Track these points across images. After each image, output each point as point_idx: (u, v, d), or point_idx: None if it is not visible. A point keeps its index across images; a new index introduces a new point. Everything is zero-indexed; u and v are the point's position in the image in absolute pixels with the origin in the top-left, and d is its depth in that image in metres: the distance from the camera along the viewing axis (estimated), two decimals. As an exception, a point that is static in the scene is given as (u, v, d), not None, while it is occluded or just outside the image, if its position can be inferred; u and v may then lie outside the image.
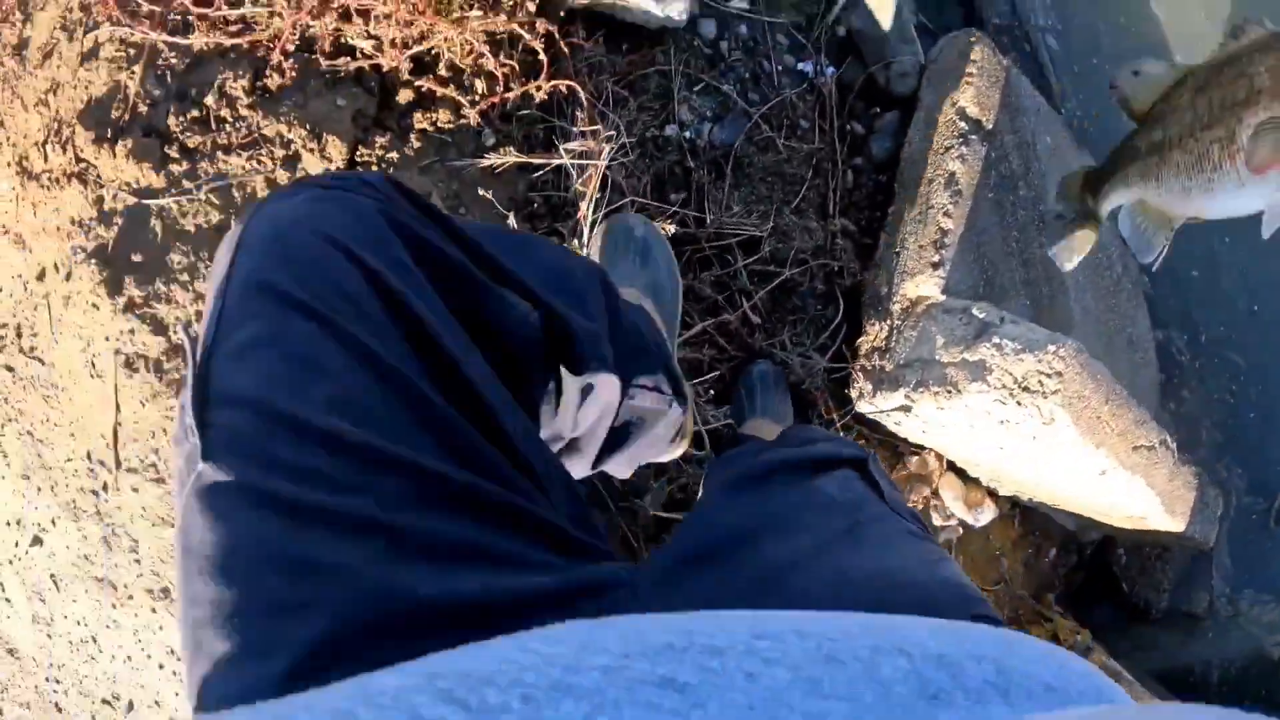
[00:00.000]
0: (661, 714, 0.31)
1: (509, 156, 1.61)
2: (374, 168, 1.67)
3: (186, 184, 1.67)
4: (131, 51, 1.75)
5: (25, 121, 1.96)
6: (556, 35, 1.76)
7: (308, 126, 1.63)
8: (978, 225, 1.98)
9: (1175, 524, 2.13)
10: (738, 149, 1.93)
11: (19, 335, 2.01)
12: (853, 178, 2.02)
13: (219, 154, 1.66)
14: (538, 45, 1.68)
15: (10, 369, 2.02)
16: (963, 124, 2.02)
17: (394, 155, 1.66)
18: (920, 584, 0.63)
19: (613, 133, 1.61)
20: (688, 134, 1.91)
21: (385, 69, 1.63)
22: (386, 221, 0.59)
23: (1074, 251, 1.24)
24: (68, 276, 1.88)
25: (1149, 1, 3.07)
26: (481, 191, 1.67)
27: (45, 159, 1.89)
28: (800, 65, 2.11)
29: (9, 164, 1.97)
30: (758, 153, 1.96)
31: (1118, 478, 1.97)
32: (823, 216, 1.96)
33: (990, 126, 2.06)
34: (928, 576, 0.64)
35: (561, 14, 1.85)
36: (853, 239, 1.97)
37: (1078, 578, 2.58)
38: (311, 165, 1.65)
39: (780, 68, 2.06)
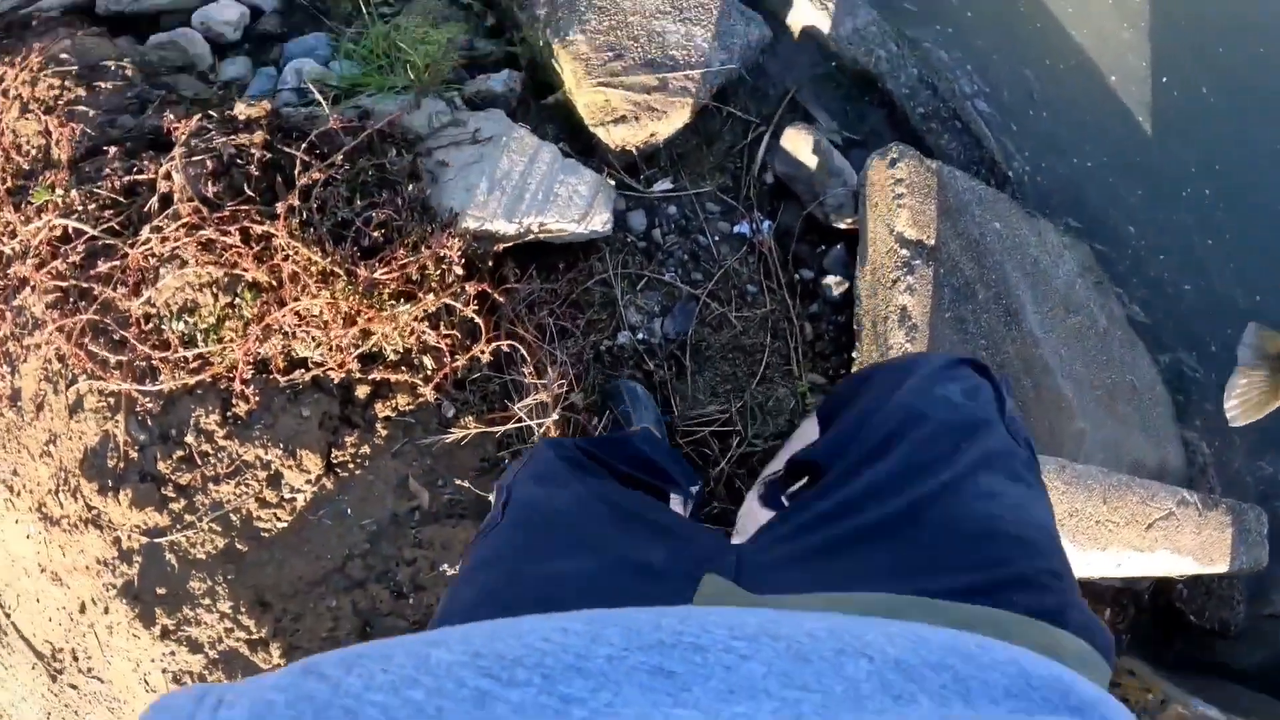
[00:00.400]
0: (655, 694, 0.39)
1: (469, 429, 1.69)
2: (350, 466, 1.77)
3: (188, 518, 1.79)
4: (111, 400, 1.88)
5: (35, 470, 2.10)
6: (490, 289, 1.84)
7: (281, 445, 1.74)
8: (941, 350, 2.00)
9: (1216, 568, 2.11)
10: (692, 336, 1.98)
11: (75, 659, 2.16)
12: (811, 329, 2.06)
13: (209, 485, 1.77)
14: (471, 312, 1.76)
15: (74, 687, 2.17)
16: (904, 251, 2.04)
17: (366, 449, 1.75)
18: (1015, 536, 0.74)
19: (563, 383, 1.67)
20: (640, 336, 1.97)
21: (336, 377, 1.73)
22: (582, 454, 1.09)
23: (1257, 409, 1.19)
24: (105, 610, 2.01)
25: (1063, 28, 3.07)
26: (453, 462, 1.75)
27: (60, 506, 2.03)
28: (736, 228, 2.16)
29: (30, 509, 2.12)
30: (712, 333, 2.01)
31: (1135, 561, 1.97)
32: (790, 379, 2.00)
33: (933, 243, 2.08)
34: (1020, 522, 0.76)
35: (490, 261, 1.93)
36: (824, 391, 2.00)
37: (1143, 619, 2.55)
38: (293, 480, 1.76)
39: (716, 238, 2.11)
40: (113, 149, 2.02)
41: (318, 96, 1.89)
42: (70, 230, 1.84)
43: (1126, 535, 1.92)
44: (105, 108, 2.23)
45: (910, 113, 2.52)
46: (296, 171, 1.84)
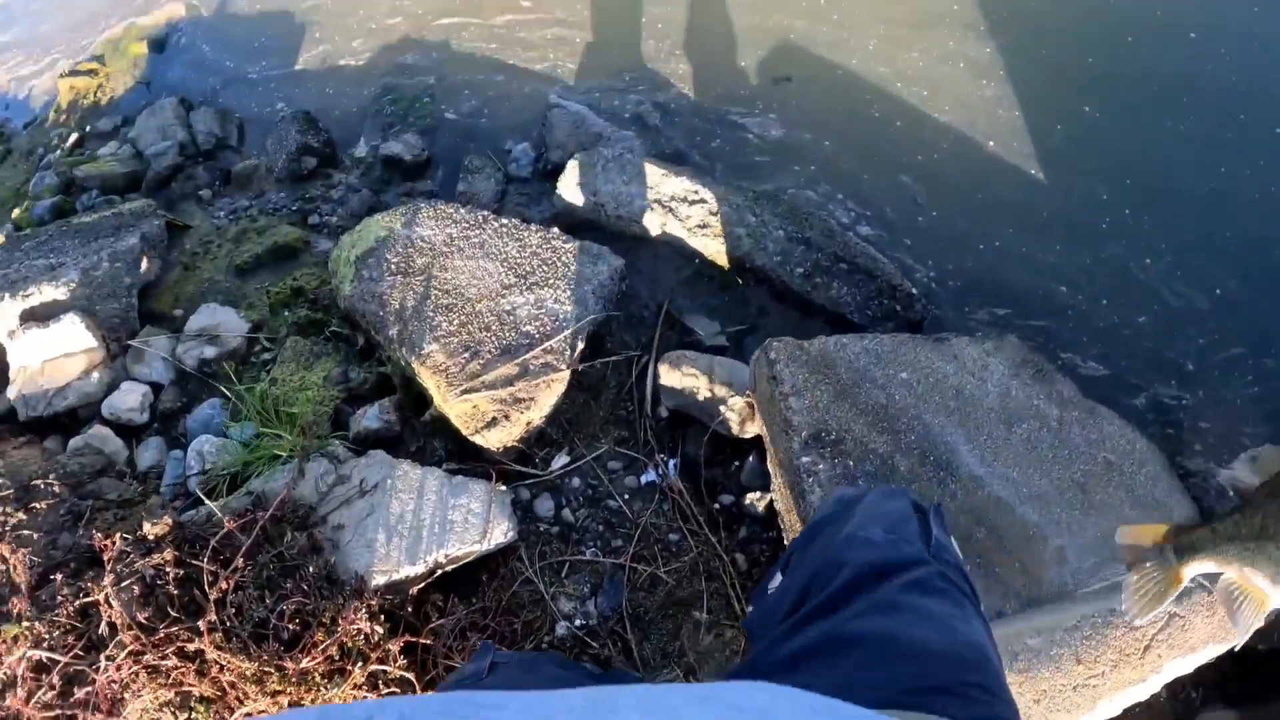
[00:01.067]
0: None
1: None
2: None
3: None
4: None
5: None
6: (416, 637, 1.86)
7: None
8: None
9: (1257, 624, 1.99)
10: (627, 606, 1.97)
11: None
12: (744, 557, 2.05)
13: None
14: (399, 670, 1.80)
15: None
16: (806, 458, 2.02)
17: None
18: (942, 650, 0.79)
19: None
20: (578, 622, 1.97)
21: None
22: None
23: (1152, 603, 1.17)
24: None
25: (925, 113, 3.08)
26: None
27: None
28: (644, 478, 2.17)
29: None
30: (647, 595, 2.00)
31: (1151, 681, 1.86)
32: (734, 616, 1.97)
33: (834, 435, 2.06)
34: (948, 639, 0.81)
35: (410, 605, 1.96)
36: (774, 617, 1.97)
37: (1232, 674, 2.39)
38: None
39: (626, 495, 2.12)
40: (59, 576, 2.14)
41: (213, 509, 1.97)
42: (44, 659, 1.95)
43: (1120, 677, 1.82)
44: (45, 529, 2.35)
45: (790, 278, 2.53)
46: (207, 583, 1.91)
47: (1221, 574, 1.09)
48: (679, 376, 2.21)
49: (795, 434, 2.03)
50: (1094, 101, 3.13)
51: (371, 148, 3.33)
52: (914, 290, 2.66)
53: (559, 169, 2.94)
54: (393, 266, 2.38)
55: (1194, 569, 1.13)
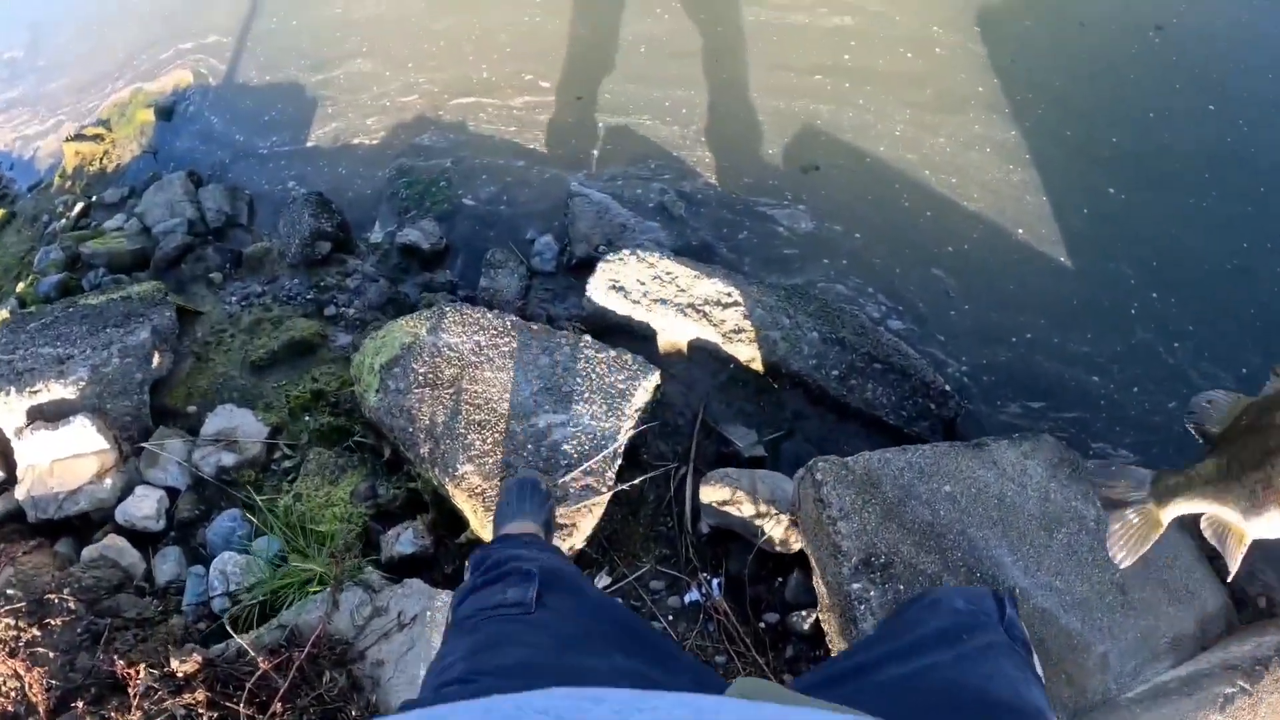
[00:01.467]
0: None
1: None
2: None
3: None
4: None
5: None
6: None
7: None
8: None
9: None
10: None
11: None
12: (791, 679, 1.98)
13: None
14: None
15: None
16: (857, 585, 1.98)
17: None
18: (1009, 703, 0.88)
19: None
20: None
21: None
22: None
23: (1135, 546, 1.25)
24: None
25: (953, 202, 3.08)
26: None
27: None
28: (687, 598, 2.12)
29: None
30: (694, 730, 1.93)
31: None
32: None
33: (883, 559, 2.02)
34: (1013, 694, 0.90)
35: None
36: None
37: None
38: None
39: (670, 617, 2.07)
40: (80, 703, 2.06)
41: (244, 645, 1.90)
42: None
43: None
44: (62, 647, 2.26)
45: (826, 382, 2.50)
46: (243, 731, 1.84)
47: (1201, 515, 1.15)
48: (720, 496, 2.16)
49: (845, 559, 1.99)
50: (1117, 181, 3.14)
51: (388, 234, 3.30)
52: (947, 387, 2.64)
53: (584, 263, 2.91)
54: (420, 377, 2.33)
55: (1172, 512, 1.20)
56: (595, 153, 3.38)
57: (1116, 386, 2.70)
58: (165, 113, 4.32)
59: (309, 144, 3.82)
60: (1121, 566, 1.30)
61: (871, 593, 1.96)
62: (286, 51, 4.25)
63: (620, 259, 2.68)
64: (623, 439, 2.21)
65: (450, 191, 3.38)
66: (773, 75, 3.46)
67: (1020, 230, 3.07)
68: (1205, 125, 3.24)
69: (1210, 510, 1.12)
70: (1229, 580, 1.42)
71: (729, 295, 2.66)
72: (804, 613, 2.12)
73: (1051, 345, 2.81)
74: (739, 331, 2.57)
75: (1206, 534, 1.14)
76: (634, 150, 3.36)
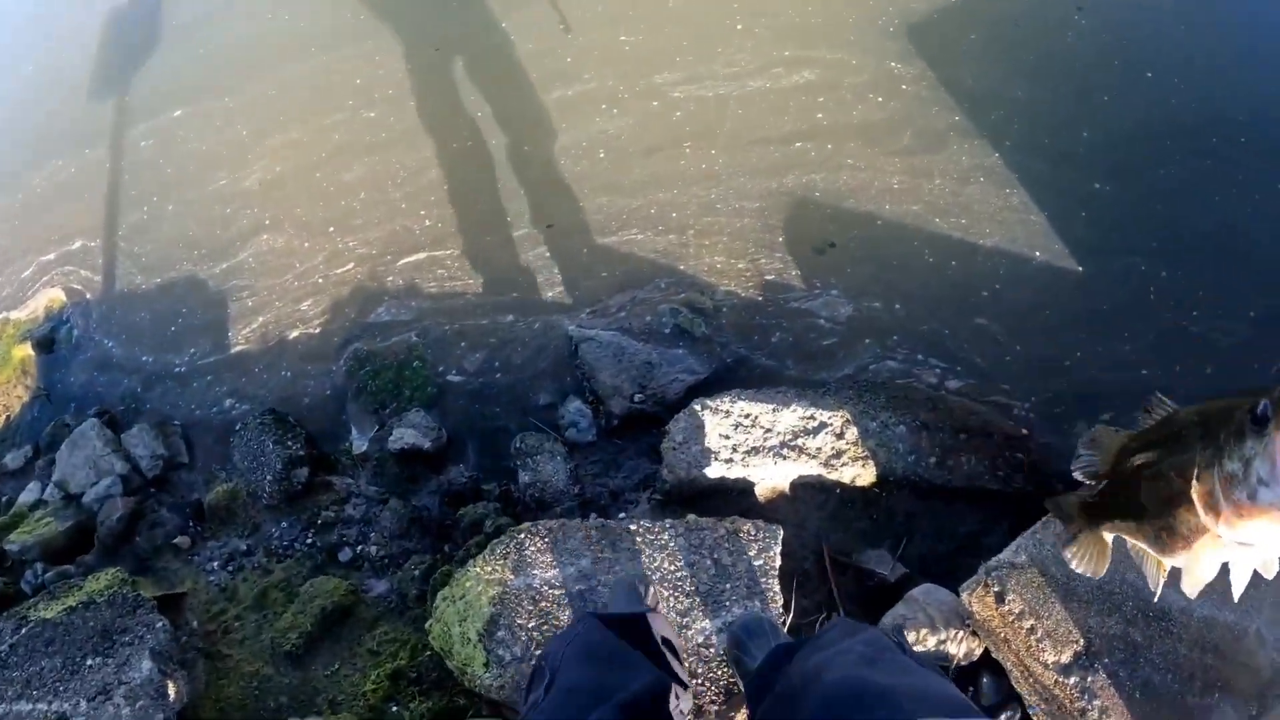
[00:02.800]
0: None
1: None
2: None
3: None
4: None
5: None
6: None
7: None
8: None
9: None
10: None
11: None
12: None
13: None
14: None
15: None
16: (1071, 678, 1.88)
17: None
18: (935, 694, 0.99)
19: None
20: None
21: None
22: None
23: (1087, 560, 1.22)
24: None
25: (975, 244, 2.91)
26: None
27: None
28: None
29: None
30: None
31: None
32: None
33: (1079, 640, 1.89)
34: (940, 689, 1.02)
35: None
36: None
37: None
38: None
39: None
40: None
41: None
42: None
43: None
44: None
45: (929, 473, 2.41)
46: None
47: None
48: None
49: (1050, 657, 1.90)
50: (1099, 176, 3.18)
51: (373, 441, 2.88)
52: (1024, 430, 2.65)
53: (628, 419, 2.62)
54: (533, 634, 1.97)
55: (1110, 535, 1.19)
56: (586, 284, 3.06)
57: (1162, 372, 2.77)
58: (45, 344, 3.74)
59: (235, 349, 3.34)
60: (1094, 579, 1.40)
61: (1090, 679, 1.86)
62: (173, 243, 3.74)
63: (692, 417, 2.40)
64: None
65: (428, 371, 2.99)
66: (752, 152, 3.25)
67: (1036, 253, 3.03)
68: (1150, 94, 3.36)
69: (1129, 539, 1.12)
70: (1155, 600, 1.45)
71: (812, 419, 2.43)
72: (1007, 714, 2.03)
73: (1098, 356, 2.84)
74: (837, 455, 2.41)
75: (1133, 555, 1.14)
76: (628, 271, 3.07)
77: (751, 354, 2.81)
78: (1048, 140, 3.33)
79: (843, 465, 2.39)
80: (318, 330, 3.26)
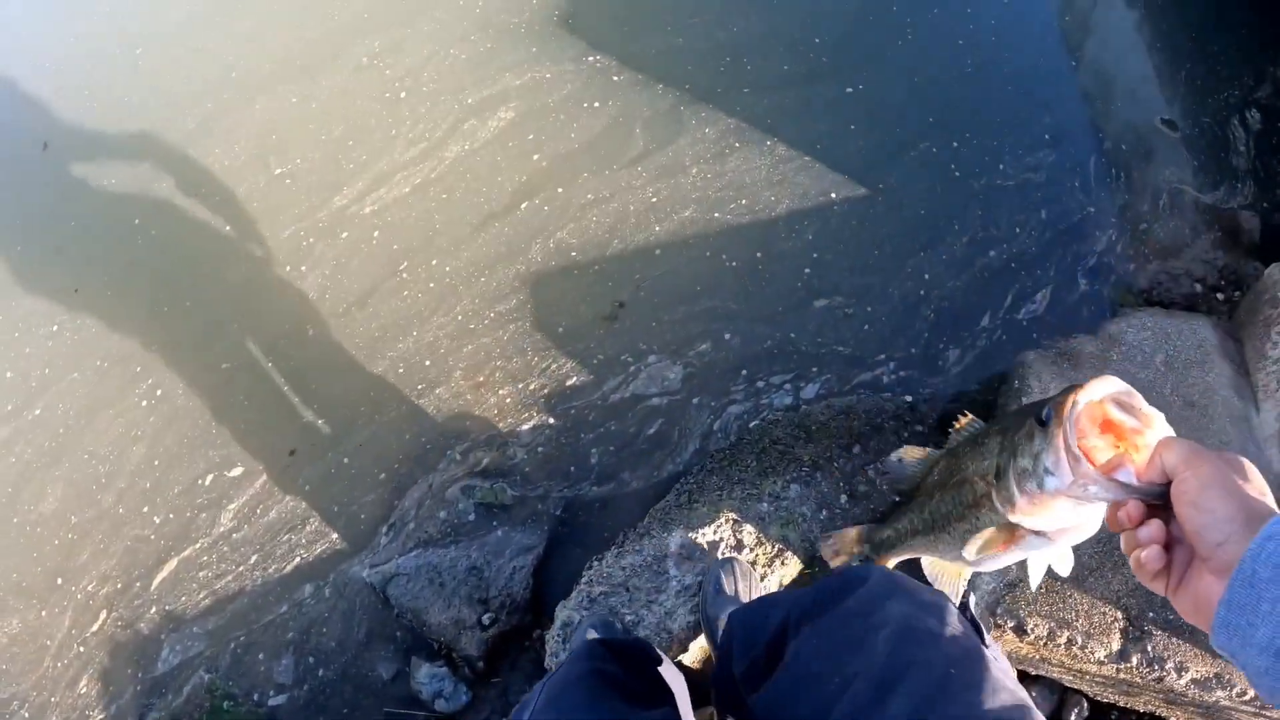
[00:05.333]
0: None
1: None
2: None
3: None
4: None
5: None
6: None
7: None
8: None
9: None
10: None
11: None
12: None
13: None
14: None
15: None
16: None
17: None
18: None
19: None
20: None
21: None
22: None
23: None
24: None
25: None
26: None
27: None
28: None
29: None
30: None
31: None
32: None
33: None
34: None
35: None
36: None
37: None
38: None
39: None
40: None
41: None
42: None
43: None
44: None
45: (849, 517, 1.81)
46: None
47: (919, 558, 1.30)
48: None
49: (1100, 653, 1.74)
50: (848, 78, 2.95)
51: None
52: (908, 398, 2.39)
53: (494, 650, 2.08)
54: None
55: (891, 561, 1.37)
56: (362, 504, 2.43)
57: (1000, 234, 2.67)
58: None
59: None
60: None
61: (1150, 647, 1.70)
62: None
63: (565, 625, 1.86)
64: None
65: (244, 709, 2.34)
66: (480, 241, 2.67)
67: (832, 193, 2.80)
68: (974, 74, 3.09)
69: (925, 557, 1.27)
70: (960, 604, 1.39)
71: (696, 544, 1.96)
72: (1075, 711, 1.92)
73: (942, 262, 2.65)
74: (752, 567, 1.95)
75: (927, 574, 1.27)
76: (402, 463, 2.45)
77: (579, 491, 2.26)
78: (787, 66, 2.89)
79: (763, 579, 1.96)
80: (107, 716, 2.57)
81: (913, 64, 2.96)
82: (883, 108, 2.85)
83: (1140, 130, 2.86)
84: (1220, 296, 2.55)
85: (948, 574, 1.22)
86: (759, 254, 2.53)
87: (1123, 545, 0.74)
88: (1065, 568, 1.03)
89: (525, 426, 2.39)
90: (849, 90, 2.84)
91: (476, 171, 2.79)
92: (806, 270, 2.53)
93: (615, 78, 2.87)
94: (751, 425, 2.27)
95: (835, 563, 1.40)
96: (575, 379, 2.42)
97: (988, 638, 1.05)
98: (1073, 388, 0.80)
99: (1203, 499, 0.65)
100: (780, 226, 2.58)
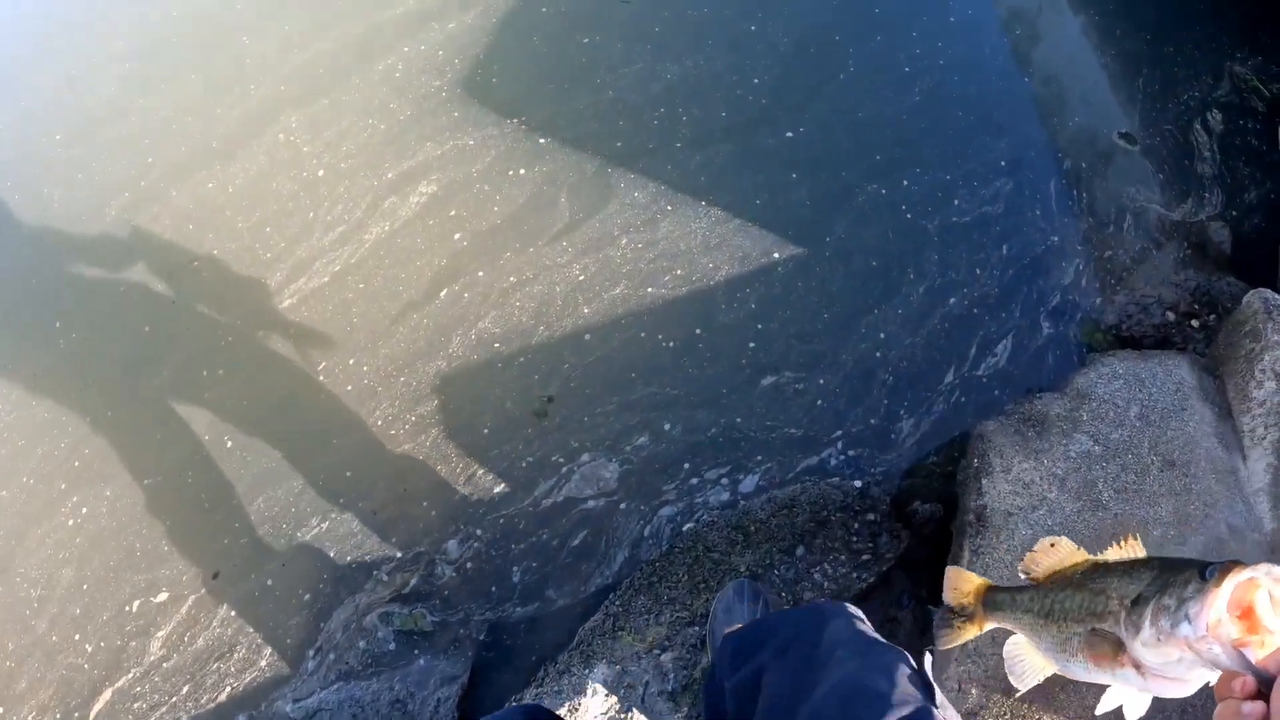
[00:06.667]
0: None
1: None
2: None
3: None
4: None
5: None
6: None
7: None
8: None
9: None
10: None
11: None
12: None
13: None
14: None
15: None
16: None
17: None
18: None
19: None
20: None
21: None
22: None
23: (951, 640, 1.38)
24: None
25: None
26: None
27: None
28: None
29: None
30: None
31: None
32: None
33: None
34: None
35: None
36: None
37: None
38: None
39: None
40: None
41: None
42: None
43: None
44: None
45: None
46: None
47: (1013, 633, 1.28)
48: None
49: None
50: (787, 121, 2.80)
51: None
52: (858, 484, 2.22)
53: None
54: None
55: (994, 623, 1.33)
56: (288, 629, 2.32)
57: (956, 274, 2.56)
58: None
59: None
60: (938, 649, 1.43)
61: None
62: None
63: None
64: None
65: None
66: (398, 336, 2.52)
67: (775, 253, 2.62)
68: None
69: (1022, 636, 1.25)
70: (1016, 697, 1.57)
71: (622, 678, 1.75)
72: None
73: (895, 316, 2.50)
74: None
75: (1007, 654, 1.26)
76: (323, 585, 2.33)
77: (502, 613, 2.11)
78: (724, 113, 2.73)
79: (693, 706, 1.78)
80: None
81: (857, 98, 2.79)
82: (826, 150, 2.69)
83: (1099, 145, 2.68)
84: (1195, 324, 2.36)
85: (1028, 663, 1.23)
86: (698, 330, 2.38)
87: (1218, 712, 0.79)
88: (1135, 712, 1.10)
89: (452, 541, 2.25)
90: (789, 135, 2.68)
91: (396, 255, 2.65)
92: (751, 344, 2.37)
93: (541, 140, 2.72)
94: (685, 529, 2.12)
95: (948, 597, 1.39)
96: (503, 485, 2.28)
97: (939, 698, 1.07)
98: (1239, 563, 0.86)
99: None
100: (720, 297, 2.42)
